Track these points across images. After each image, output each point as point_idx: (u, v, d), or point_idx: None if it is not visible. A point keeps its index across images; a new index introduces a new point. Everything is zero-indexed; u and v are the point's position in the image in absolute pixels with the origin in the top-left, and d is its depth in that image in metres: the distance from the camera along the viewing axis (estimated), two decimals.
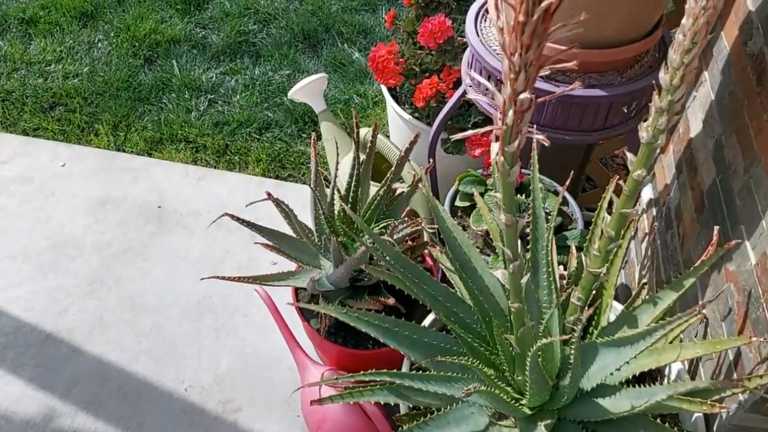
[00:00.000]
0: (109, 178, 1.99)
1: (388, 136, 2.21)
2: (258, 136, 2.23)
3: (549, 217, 1.44)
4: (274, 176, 2.13)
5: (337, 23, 2.67)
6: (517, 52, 0.53)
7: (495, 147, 0.61)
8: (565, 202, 1.55)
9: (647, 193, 1.63)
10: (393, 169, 1.32)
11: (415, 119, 1.88)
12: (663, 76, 0.74)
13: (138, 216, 1.88)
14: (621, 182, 0.84)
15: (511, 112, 0.57)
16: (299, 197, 1.94)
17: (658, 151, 0.82)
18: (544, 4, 0.49)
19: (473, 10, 1.25)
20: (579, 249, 1.44)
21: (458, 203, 1.59)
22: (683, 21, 0.69)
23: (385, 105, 2.32)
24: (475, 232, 1.54)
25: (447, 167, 1.91)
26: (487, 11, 1.22)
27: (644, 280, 1.26)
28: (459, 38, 1.75)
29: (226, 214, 1.23)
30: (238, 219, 1.24)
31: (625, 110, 1.13)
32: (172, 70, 2.41)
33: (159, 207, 1.90)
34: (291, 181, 2.11)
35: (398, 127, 1.99)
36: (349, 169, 1.34)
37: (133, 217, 1.88)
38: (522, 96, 0.55)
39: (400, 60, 1.81)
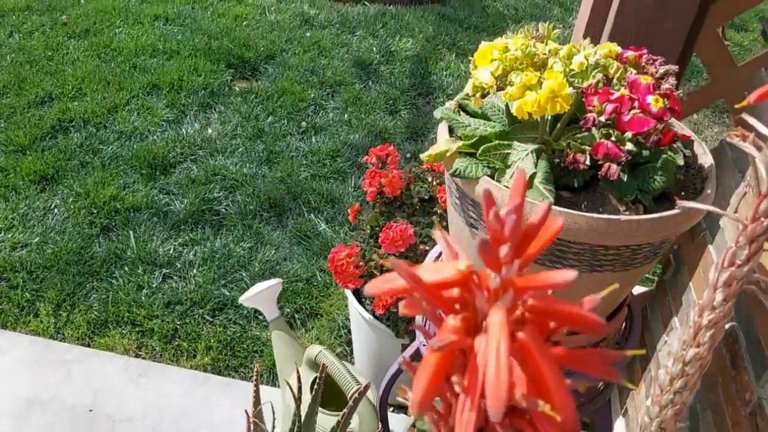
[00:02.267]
0: (40, 372, 1.82)
1: (349, 333, 2.10)
2: (211, 319, 2.11)
3: None
4: (224, 366, 1.98)
5: (306, 191, 2.63)
6: None
7: None
8: None
9: (620, 427, 1.52)
10: (342, 419, 1.19)
11: (376, 320, 1.78)
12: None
13: (66, 421, 1.70)
14: None
15: None
16: (247, 398, 1.79)
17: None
18: None
19: (430, 259, 1.18)
20: None
21: None
22: (648, 403, 0.60)
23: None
24: None
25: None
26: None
27: None
28: (421, 245, 1.69)
29: None
30: None
31: (594, 387, 1.03)
32: (128, 241, 2.31)
33: (90, 410, 1.73)
34: (241, 373, 1.97)
35: (359, 324, 1.88)
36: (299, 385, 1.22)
37: (60, 423, 1.70)
38: None
39: (360, 263, 1.73)
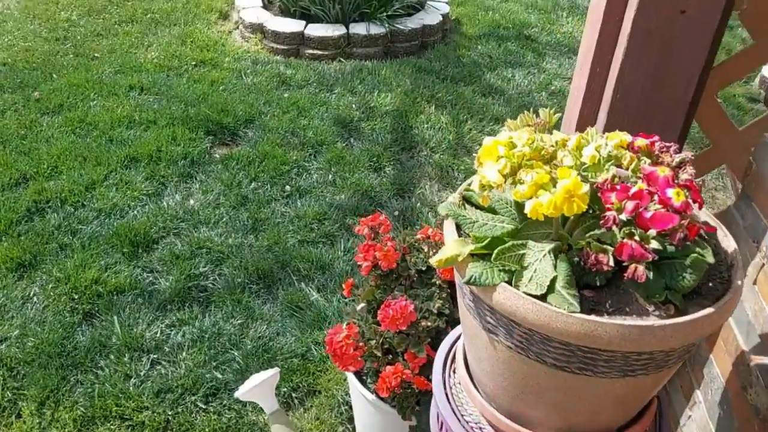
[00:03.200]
0: None
1: (350, 409, 2.01)
2: (204, 406, 2.00)
3: None
4: None
5: (294, 259, 2.56)
6: None
7: None
8: None
9: None
10: None
11: (380, 401, 1.69)
12: None
13: None
14: None
15: None
16: None
17: None
18: None
19: (441, 355, 1.11)
20: None
21: None
22: None
23: None
24: None
25: None
26: (455, 358, 1.08)
27: None
28: (423, 321, 1.62)
29: None
30: None
31: None
32: (112, 326, 2.21)
33: None
34: None
35: (362, 405, 1.80)
36: None
37: None
38: None
39: (360, 344, 1.65)
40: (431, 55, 4.28)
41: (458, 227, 0.87)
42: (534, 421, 0.88)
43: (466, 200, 0.91)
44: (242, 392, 1.51)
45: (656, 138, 0.80)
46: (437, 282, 1.70)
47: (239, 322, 2.29)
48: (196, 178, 2.97)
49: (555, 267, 0.76)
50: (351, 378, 1.75)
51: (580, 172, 0.77)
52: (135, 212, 2.73)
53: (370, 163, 3.17)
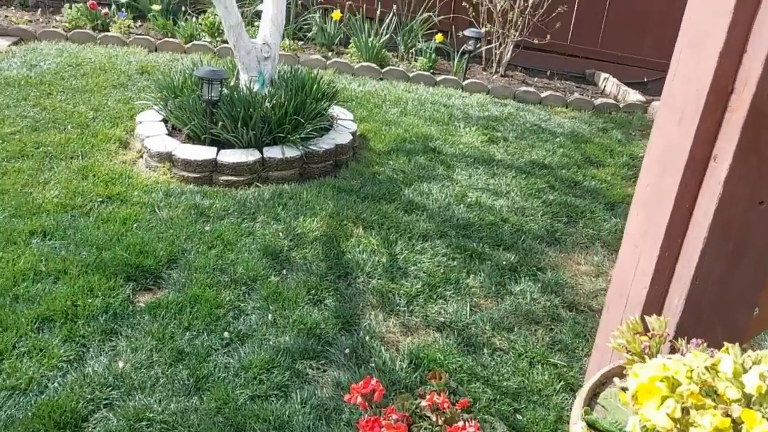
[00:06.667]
0: None
1: None
2: None
3: None
4: None
5: (249, 420, 2.32)
6: None
7: None
8: None
9: None
10: None
11: None
12: None
13: None
14: None
15: None
16: None
17: None
18: None
19: None
20: None
21: None
22: None
23: None
24: None
25: None
26: None
27: None
28: None
29: None
30: None
31: None
32: None
33: None
34: None
35: None
36: None
37: None
38: None
39: None
40: (347, 174, 4.27)
41: None
42: None
43: (590, 425, 0.82)
44: None
45: None
46: None
47: None
48: (121, 334, 2.66)
49: None
50: None
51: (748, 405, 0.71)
52: (55, 384, 2.37)
53: (308, 296, 3.02)
